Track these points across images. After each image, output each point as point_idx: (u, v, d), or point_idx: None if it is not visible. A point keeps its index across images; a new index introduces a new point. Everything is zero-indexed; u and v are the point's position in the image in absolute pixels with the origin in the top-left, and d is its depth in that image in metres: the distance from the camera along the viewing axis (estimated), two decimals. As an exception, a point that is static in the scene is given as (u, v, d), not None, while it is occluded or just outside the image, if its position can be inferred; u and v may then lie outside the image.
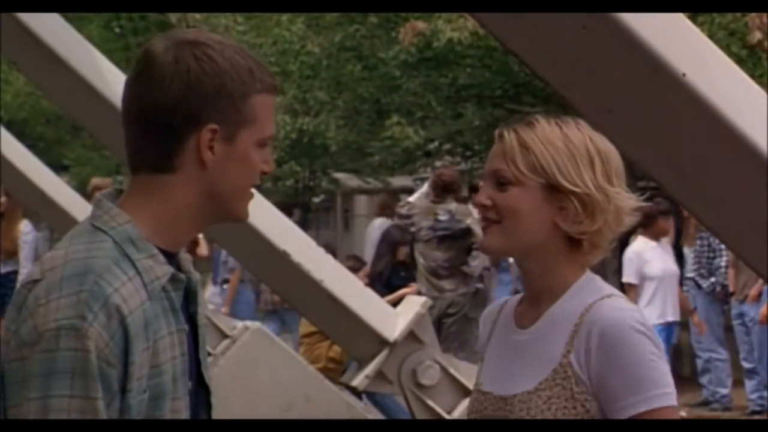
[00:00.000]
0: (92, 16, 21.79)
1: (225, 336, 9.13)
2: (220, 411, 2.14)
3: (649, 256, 10.00)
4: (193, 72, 2.01)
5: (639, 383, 2.26)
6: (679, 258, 11.32)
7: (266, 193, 10.36)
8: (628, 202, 2.38)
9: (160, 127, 2.01)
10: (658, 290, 9.94)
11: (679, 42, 2.89)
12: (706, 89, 2.87)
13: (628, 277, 10.03)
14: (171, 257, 2.05)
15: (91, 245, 1.98)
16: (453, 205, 10.27)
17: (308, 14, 15.70)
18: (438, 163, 18.43)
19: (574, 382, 2.29)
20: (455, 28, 13.26)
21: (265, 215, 6.11)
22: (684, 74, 2.84)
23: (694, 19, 3.07)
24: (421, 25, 13.72)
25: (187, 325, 2.07)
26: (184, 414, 2.04)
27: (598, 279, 2.42)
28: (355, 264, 10.48)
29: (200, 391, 2.12)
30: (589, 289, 2.37)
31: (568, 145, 2.34)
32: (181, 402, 2.03)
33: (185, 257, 2.12)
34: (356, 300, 5.80)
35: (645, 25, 2.83)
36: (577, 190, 2.32)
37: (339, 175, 25.67)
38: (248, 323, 9.43)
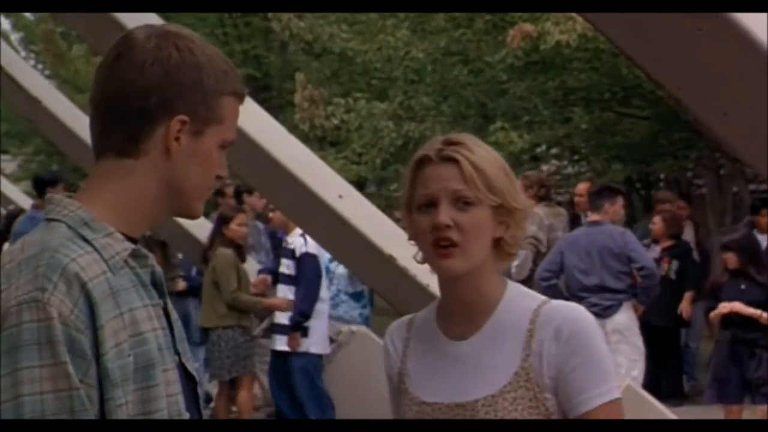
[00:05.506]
0: (196, 23, 21.99)
1: (330, 341, 9.15)
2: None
3: None
4: (174, 60, 2.05)
5: (604, 375, 2.45)
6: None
7: (371, 198, 10.37)
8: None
9: (134, 109, 2.04)
10: None
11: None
12: (825, 91, 2.80)
13: None
14: (133, 242, 2.07)
15: (46, 233, 2.01)
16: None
17: (413, 20, 15.68)
18: (545, 168, 18.26)
19: (536, 383, 2.45)
20: (563, 31, 13.14)
21: (370, 219, 6.11)
22: (802, 75, 2.78)
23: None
24: (528, 27, 13.62)
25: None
26: (177, 386, 2.06)
27: (519, 285, 2.61)
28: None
29: (187, 383, 2.13)
30: (522, 295, 2.55)
31: (500, 164, 2.51)
32: (172, 373, 2.05)
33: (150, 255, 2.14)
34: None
35: (761, 26, 2.77)
36: (518, 206, 2.51)
37: (443, 180, 25.57)
38: (353, 327, 9.44)
